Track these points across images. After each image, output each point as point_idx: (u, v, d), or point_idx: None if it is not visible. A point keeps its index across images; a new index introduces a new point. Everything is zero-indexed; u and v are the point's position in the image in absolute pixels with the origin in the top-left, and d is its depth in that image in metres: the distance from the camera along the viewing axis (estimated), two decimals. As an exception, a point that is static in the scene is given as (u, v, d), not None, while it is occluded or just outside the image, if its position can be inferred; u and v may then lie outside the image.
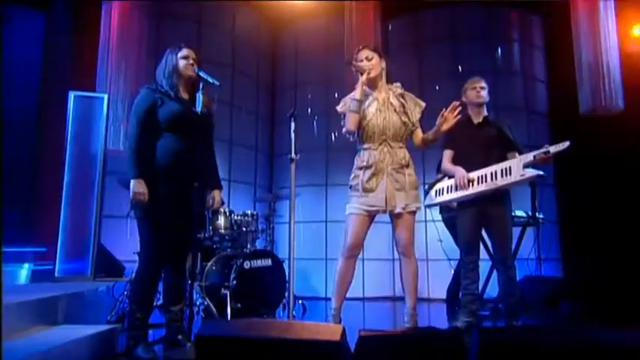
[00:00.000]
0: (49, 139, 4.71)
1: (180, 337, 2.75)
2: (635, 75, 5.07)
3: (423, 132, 3.04)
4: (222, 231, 4.01)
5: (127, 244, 4.11)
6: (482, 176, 3.30)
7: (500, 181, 3.19)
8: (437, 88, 5.92)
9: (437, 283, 5.42)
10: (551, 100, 6.10)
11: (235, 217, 4.10)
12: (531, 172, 3.13)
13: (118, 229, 4.77)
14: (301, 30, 6.48)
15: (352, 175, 2.86)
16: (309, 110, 6.25)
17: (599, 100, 4.89)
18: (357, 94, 2.84)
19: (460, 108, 2.94)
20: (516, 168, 3.18)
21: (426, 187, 3.71)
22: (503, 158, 3.37)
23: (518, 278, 4.48)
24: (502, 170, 3.23)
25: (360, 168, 2.81)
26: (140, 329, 2.62)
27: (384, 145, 2.82)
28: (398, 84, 3.05)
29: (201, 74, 2.88)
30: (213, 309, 3.63)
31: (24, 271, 3.88)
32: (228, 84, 5.78)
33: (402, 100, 2.93)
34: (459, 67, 5.90)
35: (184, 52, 2.86)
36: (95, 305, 3.50)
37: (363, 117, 2.83)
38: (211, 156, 3.07)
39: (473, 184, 3.31)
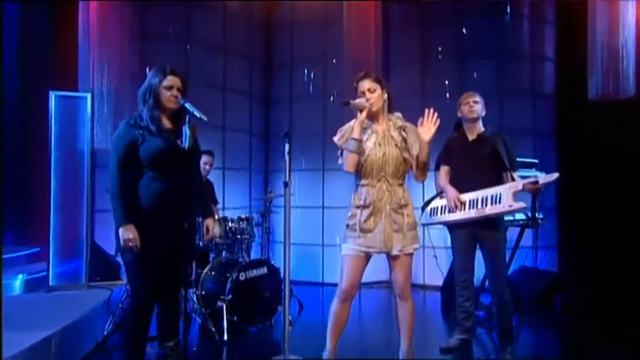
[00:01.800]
0: (34, 139, 4.55)
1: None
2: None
3: None
4: (218, 240, 3.93)
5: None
6: (473, 200, 3.28)
7: (489, 210, 3.18)
8: (439, 69, 5.67)
9: (432, 270, 5.46)
10: (560, 81, 5.84)
11: (230, 225, 4.02)
12: (519, 205, 3.14)
13: (112, 222, 4.72)
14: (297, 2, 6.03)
15: (349, 214, 2.71)
16: (306, 90, 6.00)
17: (610, 85, 4.67)
18: (355, 133, 2.62)
19: (436, 116, 2.75)
20: (506, 197, 3.15)
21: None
22: (497, 177, 3.31)
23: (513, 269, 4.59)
24: (492, 197, 3.20)
25: (358, 207, 2.66)
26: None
27: (382, 182, 2.65)
28: (399, 114, 2.83)
29: (187, 106, 2.67)
30: (210, 325, 3.64)
31: (17, 282, 3.84)
32: (220, 66, 5.50)
33: (404, 134, 2.72)
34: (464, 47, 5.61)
35: (169, 81, 2.63)
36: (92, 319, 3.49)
37: (361, 152, 2.65)
38: (199, 187, 2.94)
39: (464, 207, 3.29)
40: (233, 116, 5.71)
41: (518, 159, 3.74)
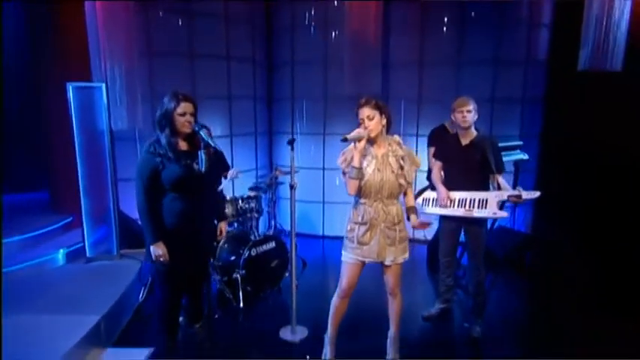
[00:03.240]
0: (55, 123, 4.88)
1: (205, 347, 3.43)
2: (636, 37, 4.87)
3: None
4: (231, 219, 4.45)
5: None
6: (462, 200, 3.68)
7: (476, 213, 3.60)
8: (437, 38, 5.75)
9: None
10: (553, 47, 5.91)
11: (240, 204, 4.51)
12: (502, 214, 3.59)
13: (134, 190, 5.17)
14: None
15: (348, 227, 3.08)
16: (307, 55, 6.10)
17: (599, 59, 4.83)
18: (356, 162, 2.89)
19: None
20: (491, 203, 3.57)
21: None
22: (485, 178, 3.70)
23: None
24: (480, 201, 3.61)
25: (356, 223, 3.02)
26: (172, 354, 3.26)
27: (379, 202, 2.98)
28: (397, 138, 3.09)
29: (202, 134, 3.01)
30: (228, 292, 4.28)
31: (60, 255, 4.43)
32: (222, 35, 5.57)
33: (401, 162, 2.99)
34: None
35: (182, 108, 2.90)
36: (129, 290, 4.11)
37: (362, 177, 2.93)
38: (214, 199, 3.31)
39: (454, 204, 3.70)
40: (238, 84, 5.88)
41: (504, 144, 4.13)
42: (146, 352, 3.30)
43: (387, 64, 5.92)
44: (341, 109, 5.88)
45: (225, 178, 4.37)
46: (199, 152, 2.98)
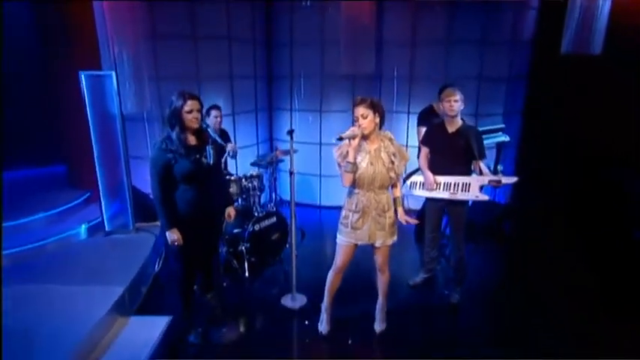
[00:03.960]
0: (68, 108, 5.20)
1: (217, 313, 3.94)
2: (618, 22, 5.09)
3: None
4: (235, 197, 4.87)
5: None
6: (447, 183, 4.05)
7: (460, 196, 3.99)
8: (429, 16, 5.93)
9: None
10: (539, 29, 6.11)
11: (244, 183, 4.92)
12: (483, 197, 3.95)
13: (145, 168, 5.54)
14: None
15: (343, 214, 3.44)
16: (306, 34, 6.30)
17: (580, 42, 5.08)
18: (350, 157, 3.18)
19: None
20: (473, 187, 3.94)
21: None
22: (468, 163, 4.06)
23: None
24: (463, 185, 3.98)
25: (350, 210, 3.39)
26: (188, 321, 3.75)
27: (371, 192, 3.32)
28: (389, 134, 3.37)
29: (209, 131, 3.38)
30: (234, 263, 4.77)
31: (82, 229, 4.88)
32: (224, 17, 5.76)
33: (392, 158, 3.30)
34: None
35: (189, 105, 3.18)
36: (147, 261, 4.57)
37: (356, 170, 3.25)
38: (222, 186, 3.68)
39: (439, 187, 4.09)
40: (239, 64, 6.12)
41: (488, 127, 4.47)
42: (166, 319, 3.76)
43: (380, 44, 6.15)
44: (337, 87, 6.18)
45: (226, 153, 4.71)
46: (207, 147, 3.33)
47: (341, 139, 3.22)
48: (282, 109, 6.73)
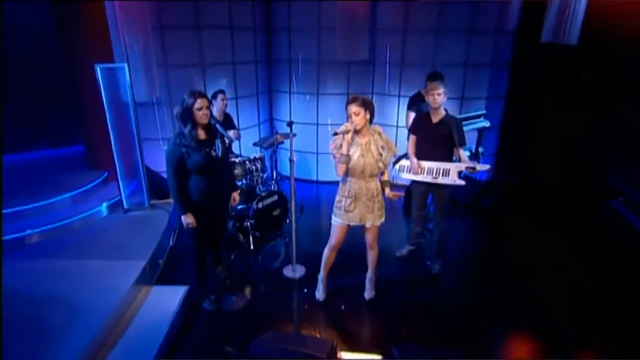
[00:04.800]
0: (85, 95, 5.63)
1: (228, 283, 4.49)
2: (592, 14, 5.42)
3: None
4: (240, 177, 5.37)
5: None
6: (430, 168, 4.53)
7: (440, 180, 4.47)
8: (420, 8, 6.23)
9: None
10: (523, 19, 6.43)
11: (248, 165, 5.40)
12: (460, 182, 4.43)
13: (156, 149, 6.05)
14: None
15: (337, 199, 3.90)
16: (302, 23, 6.60)
17: (558, 32, 5.43)
18: (344, 150, 3.61)
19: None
20: (452, 173, 4.42)
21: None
22: (450, 151, 4.51)
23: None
24: (443, 170, 4.45)
25: (344, 196, 3.86)
26: (202, 290, 4.31)
27: (362, 180, 3.76)
28: (378, 129, 3.78)
29: (218, 127, 3.83)
30: (240, 237, 5.33)
31: (103, 207, 5.40)
32: (225, 6, 6.07)
33: (381, 150, 3.71)
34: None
35: (199, 103, 3.53)
36: (162, 236, 5.10)
37: (349, 161, 3.68)
38: (229, 175, 4.13)
39: (423, 172, 4.56)
40: (240, 50, 6.46)
41: (470, 114, 4.91)
42: (183, 289, 4.33)
43: (374, 31, 6.48)
44: (333, 71, 6.55)
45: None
46: (216, 140, 3.76)
47: (336, 134, 3.65)
48: (281, 91, 7.13)
